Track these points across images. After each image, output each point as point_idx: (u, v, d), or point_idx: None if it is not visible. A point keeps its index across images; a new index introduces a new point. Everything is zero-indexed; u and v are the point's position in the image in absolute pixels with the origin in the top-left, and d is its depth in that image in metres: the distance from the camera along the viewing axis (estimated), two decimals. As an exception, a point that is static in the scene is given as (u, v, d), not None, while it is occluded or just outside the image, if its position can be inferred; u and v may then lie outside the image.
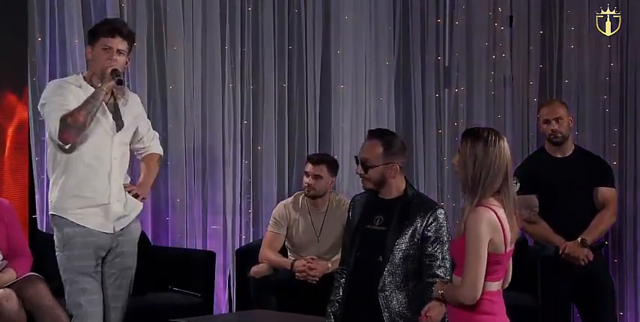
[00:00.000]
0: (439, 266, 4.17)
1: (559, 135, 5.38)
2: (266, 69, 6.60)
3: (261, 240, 6.01)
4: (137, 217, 4.47)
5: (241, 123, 6.52)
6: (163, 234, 6.26)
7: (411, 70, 7.10)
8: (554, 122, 5.37)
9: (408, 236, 4.20)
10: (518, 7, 6.98)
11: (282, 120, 6.68)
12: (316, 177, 5.77)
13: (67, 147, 4.20)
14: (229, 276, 6.37)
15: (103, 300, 4.30)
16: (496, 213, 3.38)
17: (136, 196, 4.38)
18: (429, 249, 4.18)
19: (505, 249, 3.41)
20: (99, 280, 4.27)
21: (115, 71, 4.21)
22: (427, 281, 4.16)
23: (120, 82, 4.23)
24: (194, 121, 6.31)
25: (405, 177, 4.39)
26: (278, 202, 6.20)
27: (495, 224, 3.38)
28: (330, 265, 5.62)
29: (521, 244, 6.17)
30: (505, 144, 3.44)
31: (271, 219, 5.93)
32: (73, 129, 4.12)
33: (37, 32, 5.72)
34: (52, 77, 5.63)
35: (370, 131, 4.51)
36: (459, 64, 7.12)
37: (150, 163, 4.58)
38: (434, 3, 7.11)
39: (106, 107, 4.29)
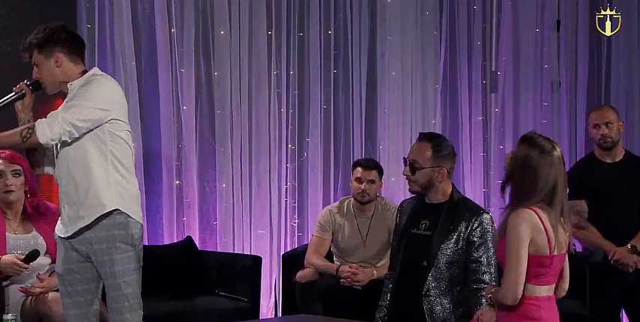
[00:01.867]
0: (485, 272, 4.13)
1: (609, 139, 5.32)
2: (312, 74, 6.61)
3: (307, 244, 6.02)
4: (98, 222, 3.91)
5: (287, 128, 6.53)
6: (210, 239, 6.28)
7: (457, 75, 7.09)
8: (603, 126, 5.32)
9: (452, 241, 4.18)
10: (565, 12, 6.94)
11: (328, 125, 6.68)
12: (370, 182, 5.76)
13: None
14: (275, 281, 6.38)
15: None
16: (538, 215, 3.36)
17: None
18: (475, 254, 4.15)
19: (550, 252, 3.39)
20: (70, 285, 4.03)
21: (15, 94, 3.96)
22: (473, 287, 4.13)
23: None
24: (240, 128, 6.33)
25: (452, 182, 4.37)
26: (324, 207, 6.20)
27: (537, 224, 3.36)
28: (374, 272, 5.60)
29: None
30: (558, 154, 3.42)
31: (316, 223, 5.93)
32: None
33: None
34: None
35: (421, 133, 4.49)
36: (506, 69, 7.09)
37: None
38: (480, 7, 7.09)
39: None
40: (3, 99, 3.95)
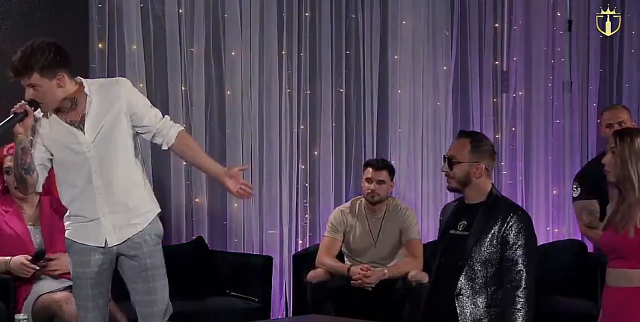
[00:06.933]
0: (519, 271, 4.08)
1: (622, 138, 5.30)
2: (323, 74, 6.59)
3: (318, 244, 6.01)
4: (152, 222, 4.03)
5: (298, 129, 6.52)
6: (221, 239, 6.27)
7: (468, 75, 7.07)
8: (616, 126, 5.29)
9: (487, 240, 4.14)
10: (577, 11, 6.92)
11: (339, 125, 6.67)
12: (380, 182, 5.75)
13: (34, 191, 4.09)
14: (286, 281, 6.37)
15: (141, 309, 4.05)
16: None
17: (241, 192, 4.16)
18: (510, 254, 4.10)
19: None
20: (96, 287, 4.01)
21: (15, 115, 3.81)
22: (507, 287, 4.08)
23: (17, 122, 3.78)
24: (251, 126, 6.32)
25: (491, 182, 4.33)
26: (335, 207, 6.20)
27: None
28: (386, 271, 5.59)
29: (581, 250, 6.11)
30: None
31: (328, 224, 5.93)
32: (19, 184, 4.01)
33: (97, 39, 5.79)
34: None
35: (461, 130, 4.55)
36: (517, 69, 7.08)
37: (186, 144, 4.08)
38: (492, 7, 7.07)
39: (68, 125, 3.92)
40: (4, 122, 3.77)
